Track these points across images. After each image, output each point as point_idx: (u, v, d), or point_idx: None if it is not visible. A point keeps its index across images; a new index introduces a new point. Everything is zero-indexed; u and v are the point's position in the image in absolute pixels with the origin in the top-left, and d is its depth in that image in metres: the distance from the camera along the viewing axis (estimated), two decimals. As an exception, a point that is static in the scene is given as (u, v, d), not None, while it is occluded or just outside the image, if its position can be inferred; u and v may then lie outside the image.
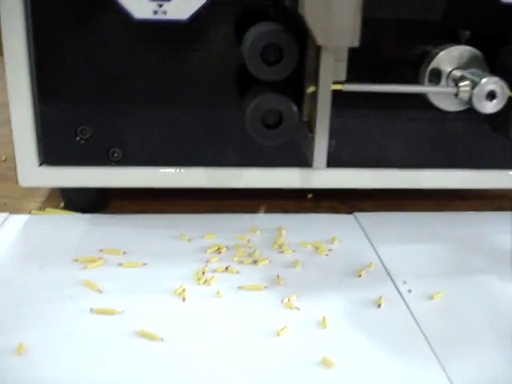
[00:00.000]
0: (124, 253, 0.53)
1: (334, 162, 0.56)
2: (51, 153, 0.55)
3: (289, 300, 0.47)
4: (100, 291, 0.47)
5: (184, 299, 0.46)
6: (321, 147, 0.45)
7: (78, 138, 0.55)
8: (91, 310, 0.44)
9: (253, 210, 0.64)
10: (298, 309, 0.46)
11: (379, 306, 0.47)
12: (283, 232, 0.58)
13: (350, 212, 0.64)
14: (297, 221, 0.61)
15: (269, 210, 0.64)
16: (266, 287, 0.48)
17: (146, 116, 0.55)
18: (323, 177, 0.58)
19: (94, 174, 0.56)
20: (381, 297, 0.48)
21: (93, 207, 0.61)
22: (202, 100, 0.55)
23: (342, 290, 0.49)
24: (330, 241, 0.57)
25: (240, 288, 0.48)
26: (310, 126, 0.48)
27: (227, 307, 0.46)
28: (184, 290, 0.47)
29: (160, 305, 0.46)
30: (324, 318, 0.44)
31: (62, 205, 0.62)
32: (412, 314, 0.46)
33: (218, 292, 0.47)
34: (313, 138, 0.45)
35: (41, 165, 0.56)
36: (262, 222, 0.60)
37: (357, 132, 0.57)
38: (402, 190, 0.62)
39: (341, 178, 0.58)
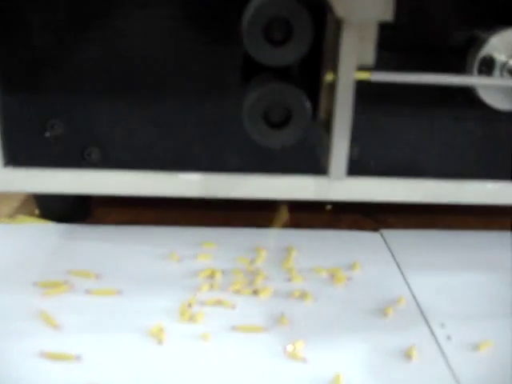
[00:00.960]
0: (96, 276, 0.43)
1: (357, 169, 0.46)
2: (16, 152, 0.46)
3: (294, 348, 0.36)
4: (57, 327, 0.37)
5: (161, 341, 0.36)
6: (340, 152, 0.35)
7: (47, 135, 0.46)
8: (41, 353, 0.35)
9: (259, 224, 0.54)
10: (305, 360, 0.36)
11: (410, 358, 0.36)
12: (293, 253, 0.48)
13: (375, 228, 0.53)
14: (310, 239, 0.51)
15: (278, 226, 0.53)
16: (265, 328, 0.38)
17: (130, 109, 0.45)
18: (344, 187, 0.48)
19: (66, 178, 0.47)
20: (412, 346, 0.37)
21: (71, 216, 0.52)
22: (196, 92, 0.45)
23: (363, 335, 0.38)
24: (349, 266, 0.46)
25: (233, 329, 0.38)
26: (328, 125, 0.37)
27: (214, 355, 0.36)
28: (162, 329, 0.38)
29: (129, 348, 0.36)
30: (338, 376, 0.34)
31: (37, 211, 0.53)
32: (452, 372, 0.36)
33: (204, 334, 0.37)
34: (330, 140, 0.35)
35: (5, 166, 0.47)
36: (269, 239, 0.50)
37: (386, 133, 0.46)
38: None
39: (365, 189, 0.48)
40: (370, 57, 0.33)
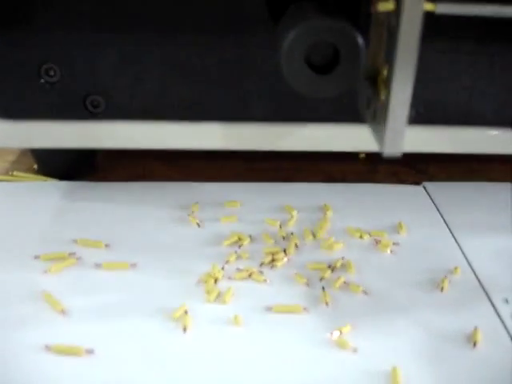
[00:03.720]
0: (106, 245, 0.38)
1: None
2: (8, 102, 0.40)
3: (340, 333, 0.31)
4: (64, 312, 0.32)
5: (185, 329, 0.31)
6: (398, 111, 0.28)
7: (43, 82, 0.39)
8: (47, 347, 0.30)
9: (287, 176, 0.48)
10: (355, 350, 0.30)
11: (474, 344, 0.31)
12: (329, 213, 0.42)
13: (417, 181, 0.47)
14: (346, 195, 0.45)
15: (308, 178, 0.48)
16: (305, 309, 0.33)
17: (138, 50, 0.39)
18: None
19: (66, 130, 0.40)
20: (476, 328, 0.32)
21: (75, 172, 0.46)
22: (216, 27, 0.38)
23: (418, 315, 0.33)
24: (394, 228, 0.41)
25: (268, 309, 0.33)
26: (376, 72, 0.31)
27: (247, 343, 0.31)
28: (186, 311, 0.32)
29: (148, 338, 0.31)
30: (394, 370, 0.29)
31: (35, 166, 0.47)
32: (525, 359, 0.31)
33: (235, 317, 0.32)
34: (387, 94, 0.28)
35: (-4, 118, 0.40)
36: (300, 195, 0.44)
37: (439, 75, 0.40)
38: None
39: (414, 140, 0.41)
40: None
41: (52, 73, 0.39)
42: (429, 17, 0.31)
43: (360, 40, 0.29)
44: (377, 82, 0.32)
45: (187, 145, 0.42)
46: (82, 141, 0.41)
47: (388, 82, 0.28)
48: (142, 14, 0.37)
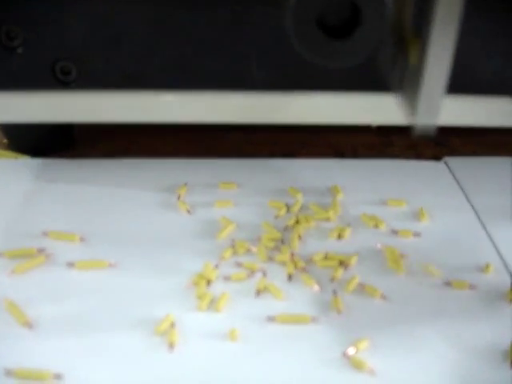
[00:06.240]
0: (81, 239, 0.32)
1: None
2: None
3: (356, 350, 0.26)
4: (29, 325, 0.27)
5: (172, 345, 0.26)
6: (435, 79, 0.23)
7: (5, 47, 0.33)
8: (7, 371, 0.25)
9: (289, 150, 0.42)
10: (373, 372, 0.26)
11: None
12: (339, 196, 0.37)
13: (437, 155, 0.42)
14: (358, 172, 0.39)
15: (313, 152, 0.42)
16: (314, 318, 0.28)
17: (115, 7, 0.32)
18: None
19: (33, 102, 0.35)
20: (514, 343, 0.27)
21: (49, 147, 0.41)
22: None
23: (445, 326, 0.28)
24: (414, 215, 0.36)
25: (270, 320, 0.28)
26: (407, 32, 0.25)
27: (245, 364, 0.26)
28: (173, 324, 0.27)
29: (128, 358, 0.26)
30: (422, 399, 0.25)
31: (5, 141, 0.42)
32: None
33: (231, 330, 0.27)
34: (422, 58, 0.23)
35: (-48, 88, 0.35)
36: (305, 174, 0.39)
37: (469, 42, 0.34)
38: None
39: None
40: None
41: (14, 36, 0.33)
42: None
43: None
44: (403, 42, 0.26)
45: (175, 118, 0.36)
46: (53, 114, 0.35)
47: (424, 45, 0.22)
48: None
